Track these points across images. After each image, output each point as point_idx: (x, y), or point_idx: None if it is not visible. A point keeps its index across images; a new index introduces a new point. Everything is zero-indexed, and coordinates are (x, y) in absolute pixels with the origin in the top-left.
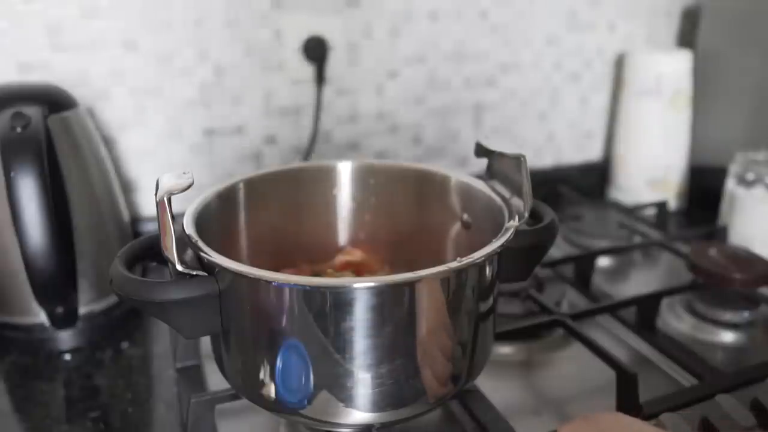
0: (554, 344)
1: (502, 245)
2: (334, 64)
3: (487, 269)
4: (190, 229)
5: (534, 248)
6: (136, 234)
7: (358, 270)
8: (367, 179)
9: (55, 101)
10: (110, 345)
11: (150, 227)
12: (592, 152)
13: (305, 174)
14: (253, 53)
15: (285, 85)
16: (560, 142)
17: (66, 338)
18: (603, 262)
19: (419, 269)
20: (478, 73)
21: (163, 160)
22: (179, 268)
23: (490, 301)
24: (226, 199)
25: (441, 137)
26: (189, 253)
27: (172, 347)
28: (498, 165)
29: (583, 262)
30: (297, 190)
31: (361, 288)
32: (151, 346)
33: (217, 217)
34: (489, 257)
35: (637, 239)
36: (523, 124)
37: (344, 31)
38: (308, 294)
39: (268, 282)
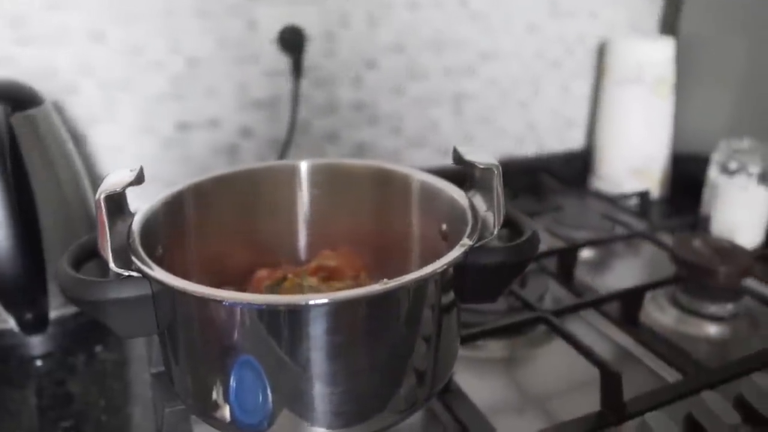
0: (537, 340)
1: (445, 265)
2: (311, 54)
3: (434, 288)
4: (135, 230)
5: (504, 267)
6: None
7: (331, 275)
8: (330, 180)
9: (18, 98)
10: (83, 349)
11: None
12: (574, 141)
13: (259, 176)
14: (226, 44)
15: (260, 76)
16: (542, 131)
17: (37, 344)
18: (585, 254)
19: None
20: (458, 61)
21: (135, 155)
22: (113, 267)
23: (448, 314)
24: (174, 205)
25: (421, 127)
26: None
27: (147, 351)
28: (474, 174)
29: (566, 255)
30: (251, 193)
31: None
32: (126, 350)
33: (168, 222)
34: (420, 281)
35: (620, 230)
36: (504, 113)
37: (320, 21)
38: (216, 305)
39: (188, 293)
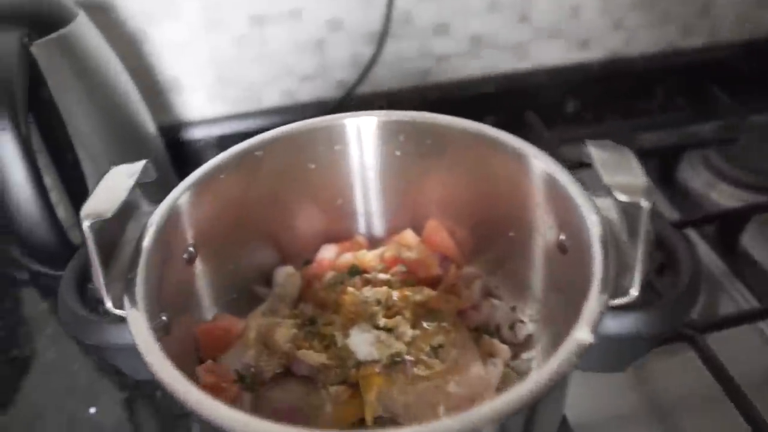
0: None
1: (547, 382)
2: None
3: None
4: (146, 245)
5: (640, 339)
6: (179, 145)
7: (411, 271)
8: (416, 140)
9: (39, 20)
10: None
11: (198, 133)
12: (763, 27)
13: (321, 135)
14: None
15: None
16: (718, 14)
17: None
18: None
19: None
20: None
21: (205, 55)
22: (110, 308)
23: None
24: (207, 186)
25: (556, 13)
26: None
27: None
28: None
29: (731, 222)
30: (312, 156)
31: None
32: None
33: (200, 210)
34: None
35: None
36: None
37: None
38: None
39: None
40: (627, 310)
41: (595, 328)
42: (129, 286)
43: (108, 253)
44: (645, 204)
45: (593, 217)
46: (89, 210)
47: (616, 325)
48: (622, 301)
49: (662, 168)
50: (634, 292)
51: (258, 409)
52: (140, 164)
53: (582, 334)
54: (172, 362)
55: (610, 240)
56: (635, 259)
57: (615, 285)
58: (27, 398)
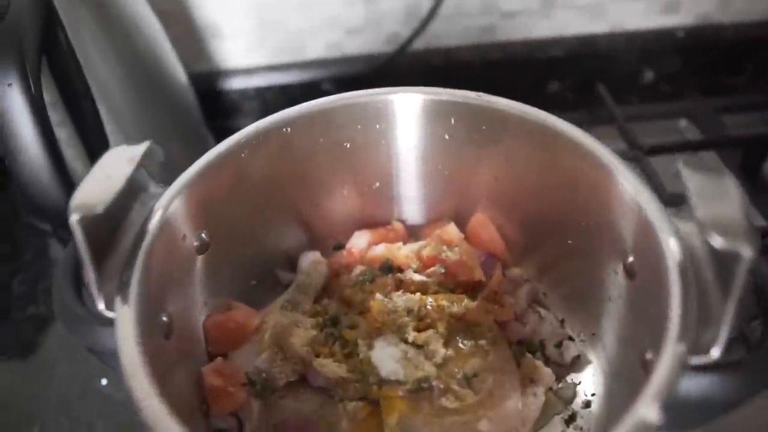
0: None
1: None
2: None
3: None
4: (152, 229)
5: (713, 404)
6: (215, 95)
7: (451, 271)
8: (470, 125)
9: None
10: None
11: (236, 83)
12: None
13: (361, 112)
14: None
15: None
16: None
17: None
18: None
19: None
20: None
21: (248, 1)
22: (102, 311)
23: None
24: (226, 166)
25: None
26: None
27: None
28: None
29: None
30: (347, 135)
31: None
32: None
33: (216, 194)
34: None
35: None
36: None
37: None
38: None
39: None
40: (703, 369)
41: (665, 402)
42: (122, 289)
43: (103, 248)
44: (747, 253)
45: (672, 242)
46: (78, 202)
47: (688, 385)
48: (700, 361)
49: (746, 159)
50: (716, 352)
51: (267, 418)
52: (142, 146)
53: (648, 412)
54: (158, 388)
55: (691, 276)
56: (722, 311)
57: (694, 336)
58: (41, 358)
